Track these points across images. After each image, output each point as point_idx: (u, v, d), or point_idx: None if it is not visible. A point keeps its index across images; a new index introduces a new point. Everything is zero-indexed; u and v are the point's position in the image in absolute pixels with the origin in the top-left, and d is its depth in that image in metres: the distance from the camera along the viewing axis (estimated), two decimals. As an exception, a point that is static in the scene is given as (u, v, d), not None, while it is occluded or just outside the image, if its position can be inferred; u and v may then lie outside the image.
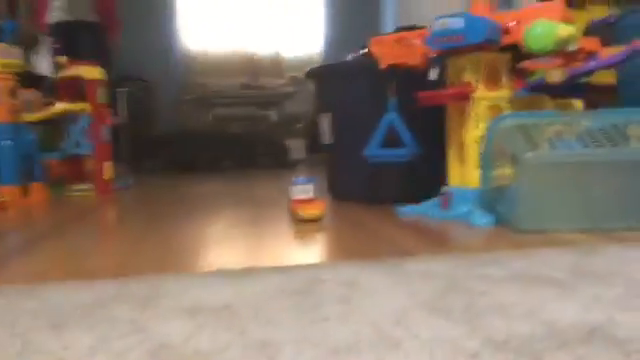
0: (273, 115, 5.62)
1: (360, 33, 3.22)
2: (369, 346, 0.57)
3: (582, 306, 0.68)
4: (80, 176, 2.51)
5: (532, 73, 1.74)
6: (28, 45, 4.11)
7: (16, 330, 0.65)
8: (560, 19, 1.33)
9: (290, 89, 5.90)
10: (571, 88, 1.57)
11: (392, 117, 1.59)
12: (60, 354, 0.58)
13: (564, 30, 1.29)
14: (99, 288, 0.82)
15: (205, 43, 6.34)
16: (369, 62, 1.63)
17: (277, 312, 0.69)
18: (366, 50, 1.76)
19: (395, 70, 1.58)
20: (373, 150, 1.60)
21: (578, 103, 1.49)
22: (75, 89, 2.53)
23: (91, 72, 2.50)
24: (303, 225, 1.45)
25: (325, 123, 1.95)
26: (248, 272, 0.90)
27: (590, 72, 1.54)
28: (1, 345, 0.60)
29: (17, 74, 2.16)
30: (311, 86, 4.50)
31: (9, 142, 2.09)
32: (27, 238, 1.39)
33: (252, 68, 6.43)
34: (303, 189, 1.54)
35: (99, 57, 3.20)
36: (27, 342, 0.61)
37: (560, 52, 1.39)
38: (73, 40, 3.55)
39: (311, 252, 1.13)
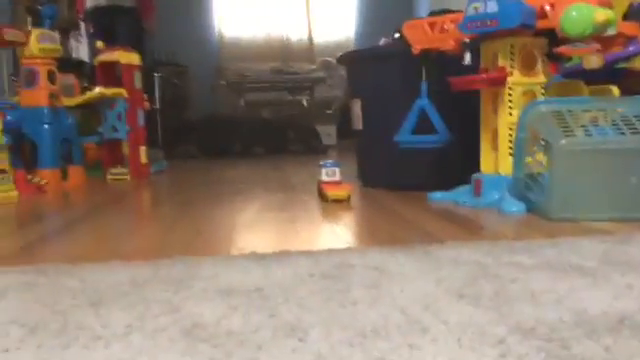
0: (304, 100, 5.62)
1: (393, 17, 3.19)
2: (397, 330, 0.58)
3: (612, 295, 0.67)
4: (117, 160, 2.56)
5: (569, 58, 1.70)
6: (67, 30, 4.19)
7: (57, 308, 0.68)
8: (597, 3, 1.30)
9: (321, 74, 5.88)
10: (609, 74, 1.54)
11: (424, 103, 1.58)
12: (98, 331, 0.60)
13: (601, 14, 1.26)
14: (135, 269, 0.85)
15: (239, 28, 6.37)
16: (401, 47, 1.62)
17: (307, 295, 0.70)
18: (399, 34, 1.75)
19: (428, 55, 1.57)
20: (404, 136, 1.60)
21: (615, 89, 1.46)
22: (112, 74, 2.58)
23: (128, 57, 2.54)
24: (331, 204, 1.54)
25: (356, 108, 1.95)
26: (279, 256, 0.91)
27: (629, 57, 1.50)
28: (43, 322, 0.63)
29: (56, 59, 2.21)
30: (343, 71, 4.48)
31: (48, 126, 2.14)
32: (66, 220, 1.44)
33: (284, 53, 6.44)
34: (330, 172, 1.67)
35: (135, 42, 3.26)
36: (67, 319, 0.64)
37: (598, 37, 1.36)
38: (109, 25, 3.61)
39: (341, 237, 1.14)
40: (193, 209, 1.54)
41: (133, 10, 3.72)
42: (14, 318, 0.65)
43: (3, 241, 1.19)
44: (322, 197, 1.65)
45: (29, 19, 3.34)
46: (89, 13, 3.69)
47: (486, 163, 1.48)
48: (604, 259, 0.84)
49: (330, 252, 0.94)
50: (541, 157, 1.26)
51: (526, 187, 1.31)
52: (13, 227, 1.39)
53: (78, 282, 0.79)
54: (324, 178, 1.67)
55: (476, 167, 1.50)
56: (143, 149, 2.56)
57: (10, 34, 2.03)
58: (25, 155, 2.18)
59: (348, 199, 1.60)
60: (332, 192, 1.60)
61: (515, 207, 1.31)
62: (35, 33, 2.12)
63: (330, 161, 1.71)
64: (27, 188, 1.98)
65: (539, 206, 1.25)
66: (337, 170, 1.67)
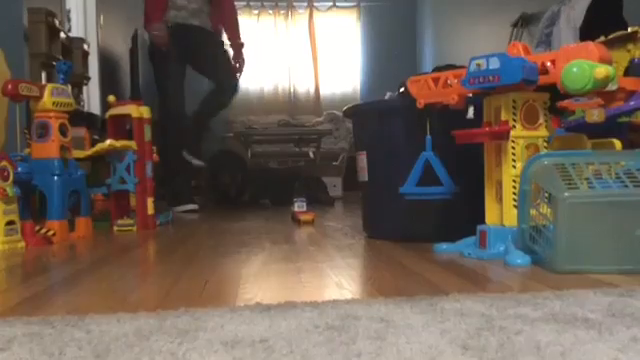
0: (311, 152, 5.67)
1: (398, 72, 3.25)
2: (401, 383, 0.58)
3: (617, 348, 0.67)
4: (124, 211, 2.58)
5: (571, 112, 1.73)
6: (79, 84, 4.29)
7: (63, 359, 0.68)
8: (597, 59, 1.33)
9: (328, 126, 5.96)
10: (611, 128, 1.56)
11: (429, 155, 1.60)
12: (103, 382, 0.60)
13: (602, 71, 1.29)
14: (141, 320, 0.85)
15: (247, 81, 6.50)
16: (406, 101, 1.66)
17: (312, 347, 0.70)
18: (403, 89, 1.79)
19: (432, 109, 1.60)
20: (410, 188, 1.61)
21: (617, 143, 1.48)
22: (122, 127, 2.63)
23: (138, 111, 2.59)
24: (302, 226, 2.41)
25: (362, 161, 1.97)
26: (284, 307, 0.91)
27: (630, 112, 1.53)
28: (48, 372, 0.64)
29: (68, 112, 2.26)
30: (349, 124, 4.54)
31: (58, 178, 2.17)
32: (72, 271, 1.44)
33: (291, 106, 6.54)
34: (301, 205, 2.59)
35: None
36: (72, 370, 0.64)
37: (599, 91, 1.39)
38: None
39: (346, 288, 1.14)
40: (199, 260, 1.54)
41: None
42: (20, 369, 0.65)
43: (9, 292, 1.20)
44: (295, 221, 2.55)
45: (44, 74, 3.43)
46: None
47: (491, 215, 1.49)
48: (609, 312, 0.84)
49: (335, 303, 0.94)
50: (545, 209, 1.27)
51: (531, 239, 1.31)
52: (19, 278, 1.39)
53: (84, 333, 0.79)
54: (296, 209, 2.57)
55: (481, 219, 1.50)
56: (151, 200, 2.58)
57: (25, 88, 2.09)
58: (34, 206, 2.21)
59: (313, 221, 2.48)
60: (303, 217, 2.48)
61: (520, 259, 1.31)
62: (49, 87, 2.17)
63: (301, 198, 2.61)
64: (34, 239, 1.99)
65: (544, 258, 1.25)
66: (304, 204, 2.59)
